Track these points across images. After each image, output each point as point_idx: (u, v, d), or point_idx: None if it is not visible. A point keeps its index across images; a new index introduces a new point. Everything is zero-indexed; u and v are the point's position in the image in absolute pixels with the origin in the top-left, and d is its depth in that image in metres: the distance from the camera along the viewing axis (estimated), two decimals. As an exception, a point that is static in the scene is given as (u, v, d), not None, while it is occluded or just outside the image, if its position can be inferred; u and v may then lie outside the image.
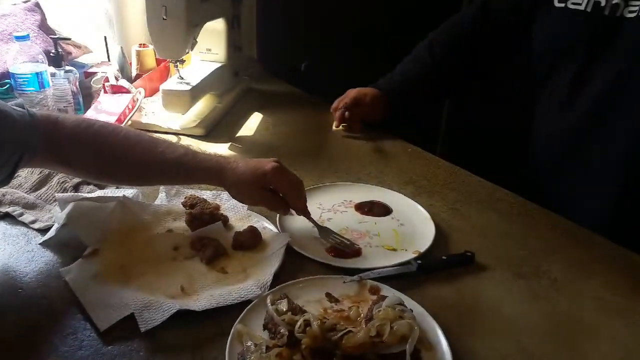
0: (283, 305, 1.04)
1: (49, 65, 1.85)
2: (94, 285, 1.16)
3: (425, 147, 1.93)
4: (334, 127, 2.04)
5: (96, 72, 2.12)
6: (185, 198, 1.43)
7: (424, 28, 2.02)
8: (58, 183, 1.50)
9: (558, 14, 1.59)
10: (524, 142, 1.83)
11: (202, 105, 2.10)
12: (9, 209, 1.40)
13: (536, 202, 1.57)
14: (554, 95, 1.67)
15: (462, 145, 3.10)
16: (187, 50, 1.88)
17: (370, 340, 0.96)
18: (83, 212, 1.30)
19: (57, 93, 1.86)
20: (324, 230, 1.37)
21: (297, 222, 1.39)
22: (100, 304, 1.10)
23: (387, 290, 1.16)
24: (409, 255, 1.31)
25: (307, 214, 1.37)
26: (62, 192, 1.47)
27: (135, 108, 1.93)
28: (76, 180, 1.51)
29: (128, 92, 1.95)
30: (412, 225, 1.45)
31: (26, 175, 1.53)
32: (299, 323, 0.98)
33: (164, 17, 1.72)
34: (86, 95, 2.02)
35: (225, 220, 1.40)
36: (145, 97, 2.02)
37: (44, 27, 2.21)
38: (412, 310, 1.05)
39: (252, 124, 2.09)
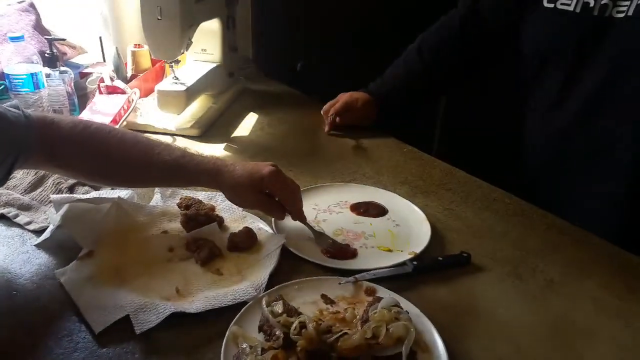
0: (278, 307, 1.04)
1: (44, 66, 1.85)
2: (89, 287, 1.15)
3: (421, 147, 1.93)
4: (325, 131, 2.03)
5: (91, 73, 2.11)
6: (180, 199, 1.43)
7: (421, 28, 2.02)
8: (53, 184, 1.50)
9: (547, 15, 1.59)
10: (519, 142, 1.83)
11: (198, 106, 2.10)
12: (4, 210, 1.40)
13: (532, 202, 1.57)
14: (544, 96, 1.67)
15: (458, 145, 3.10)
16: (182, 51, 1.88)
17: (366, 342, 0.96)
18: (78, 214, 1.30)
19: (52, 94, 1.86)
20: (319, 236, 1.37)
21: (292, 223, 1.39)
22: (96, 306, 1.10)
23: (382, 292, 1.16)
24: (405, 256, 1.30)
25: (303, 219, 1.37)
26: (57, 194, 1.46)
27: (131, 109, 1.93)
28: (71, 181, 1.51)
29: (123, 92, 1.95)
30: (408, 225, 1.45)
31: (21, 176, 1.53)
32: (294, 325, 0.98)
33: (159, 18, 1.71)
34: (81, 96, 2.02)
35: (220, 221, 1.39)
36: (140, 97, 2.02)
37: (39, 28, 2.20)
38: (408, 312, 1.05)
39: (247, 125, 2.09)
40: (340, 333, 0.98)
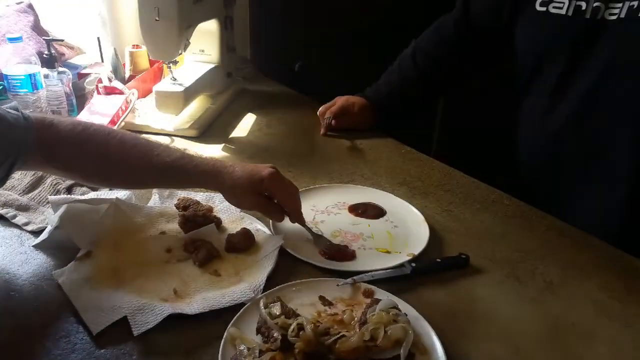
0: (276, 309, 1.03)
1: (42, 66, 1.85)
2: (86, 288, 1.15)
3: (420, 147, 1.93)
4: (321, 133, 2.03)
5: (89, 74, 2.11)
6: (178, 200, 1.42)
7: (420, 29, 2.01)
8: (51, 185, 1.50)
9: (539, 18, 1.59)
10: (516, 145, 1.83)
11: (196, 106, 2.10)
12: (2, 211, 1.40)
13: (531, 204, 1.57)
14: (538, 98, 1.67)
15: (456, 146, 3.09)
16: (180, 51, 1.88)
17: (364, 345, 0.96)
18: (76, 215, 1.30)
19: (51, 94, 1.86)
20: (318, 238, 1.37)
21: (290, 224, 1.38)
22: (93, 307, 1.10)
23: (381, 294, 1.16)
24: (403, 258, 1.30)
25: (302, 222, 1.37)
26: (55, 194, 1.46)
27: (129, 109, 1.93)
28: (69, 182, 1.50)
29: (121, 93, 1.95)
30: (406, 227, 1.45)
31: (19, 177, 1.52)
32: (292, 327, 0.98)
33: (157, 19, 1.71)
34: (79, 96, 2.02)
35: (218, 222, 1.39)
36: (138, 98, 2.01)
37: (37, 29, 2.20)
38: (406, 314, 1.05)
39: (245, 125, 2.09)
40: (338, 335, 0.98)
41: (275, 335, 0.98)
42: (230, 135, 1.99)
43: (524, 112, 1.76)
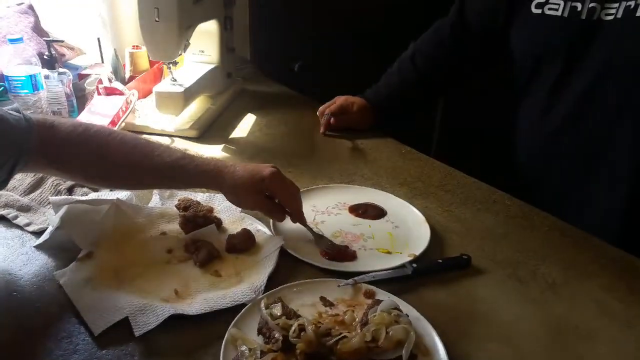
0: (277, 310, 1.03)
1: (43, 67, 1.85)
2: (88, 289, 1.15)
3: (420, 147, 1.93)
4: (320, 132, 2.03)
5: (90, 74, 2.11)
6: (178, 200, 1.42)
7: (420, 29, 2.02)
8: (52, 186, 1.50)
9: (535, 20, 1.59)
10: (515, 145, 1.83)
11: (196, 107, 2.10)
12: (4, 212, 1.40)
13: (532, 204, 1.57)
14: (536, 100, 1.68)
15: (456, 147, 3.09)
16: (179, 52, 1.88)
17: (366, 346, 0.96)
18: (77, 215, 1.30)
19: (51, 95, 1.86)
20: (319, 238, 1.37)
21: (290, 224, 1.39)
22: (95, 308, 1.10)
23: (382, 294, 1.16)
24: (404, 258, 1.30)
25: (303, 221, 1.37)
26: (56, 195, 1.46)
27: (129, 110, 1.93)
28: (70, 182, 1.50)
29: (121, 94, 1.94)
30: (407, 227, 1.45)
31: (20, 177, 1.52)
32: (293, 328, 0.98)
33: (157, 19, 1.71)
34: (80, 97, 2.01)
35: (218, 222, 1.39)
36: (138, 99, 2.01)
37: (38, 30, 2.20)
38: (407, 315, 1.05)
39: (245, 125, 2.08)
40: (339, 336, 0.98)
41: (276, 336, 0.98)
42: (231, 136, 1.99)
43: (523, 112, 1.76)
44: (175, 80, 1.94)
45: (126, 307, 1.09)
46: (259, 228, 1.39)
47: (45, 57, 1.87)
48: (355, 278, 1.20)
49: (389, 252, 1.34)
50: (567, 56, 1.55)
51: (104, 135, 1.30)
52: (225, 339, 1.02)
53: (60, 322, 1.09)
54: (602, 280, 1.27)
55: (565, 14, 1.51)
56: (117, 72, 2.18)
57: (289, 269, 1.26)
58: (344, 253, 1.32)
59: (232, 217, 1.44)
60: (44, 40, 2.01)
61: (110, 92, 1.95)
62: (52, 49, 1.89)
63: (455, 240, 1.41)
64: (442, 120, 3.72)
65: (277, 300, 1.07)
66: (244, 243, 1.32)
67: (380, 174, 1.73)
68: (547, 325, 1.14)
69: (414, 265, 1.25)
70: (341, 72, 2.73)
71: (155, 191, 1.51)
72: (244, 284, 1.18)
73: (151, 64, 2.28)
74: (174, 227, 1.38)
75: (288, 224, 1.39)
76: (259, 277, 1.20)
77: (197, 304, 1.12)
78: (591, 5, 1.46)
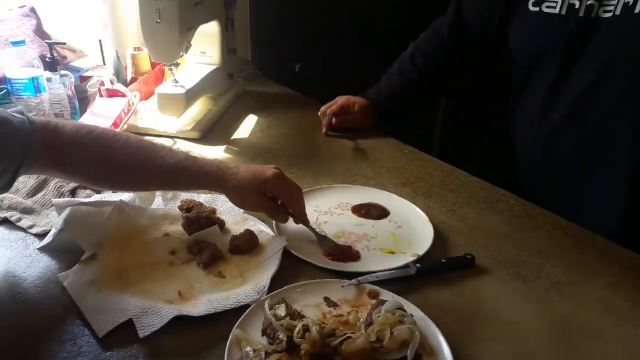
0: (281, 310, 1.03)
1: (45, 69, 1.86)
2: (92, 291, 1.15)
3: (421, 147, 1.93)
4: (322, 132, 2.03)
5: (91, 76, 2.11)
6: (181, 202, 1.42)
7: (420, 29, 2.02)
8: (55, 188, 1.50)
9: (533, 19, 1.59)
10: (516, 144, 1.83)
11: (197, 108, 2.10)
12: (7, 214, 1.40)
13: (535, 203, 1.57)
14: (536, 98, 1.67)
15: (457, 146, 3.09)
16: (181, 54, 1.88)
17: (370, 346, 0.96)
18: (80, 217, 1.30)
19: (53, 97, 1.86)
20: (322, 239, 1.36)
21: (293, 225, 1.38)
22: (99, 310, 1.10)
23: (386, 294, 1.16)
24: (408, 258, 1.30)
25: (306, 222, 1.37)
26: (59, 197, 1.46)
27: (131, 112, 1.93)
28: (73, 184, 1.51)
29: (123, 95, 1.95)
30: (410, 227, 1.45)
31: (23, 180, 1.52)
32: (297, 328, 0.98)
33: (158, 21, 1.71)
34: (82, 99, 2.02)
35: (221, 223, 1.39)
36: (140, 100, 2.02)
37: (40, 32, 2.20)
38: (412, 315, 1.04)
39: (247, 126, 2.09)
40: (344, 336, 0.98)
41: (280, 336, 0.98)
42: (232, 137, 1.99)
43: (523, 112, 1.76)
44: (176, 81, 1.94)
45: (130, 309, 1.09)
46: (262, 229, 1.39)
47: (47, 59, 1.87)
48: (359, 278, 1.19)
49: (392, 252, 1.34)
50: (565, 54, 1.54)
51: (108, 137, 1.30)
52: (229, 340, 1.01)
53: (64, 324, 1.08)
54: (607, 279, 1.27)
55: (563, 12, 1.51)
56: (118, 74, 2.18)
57: (292, 269, 1.26)
58: (347, 253, 1.32)
59: (235, 218, 1.44)
60: (46, 42, 2.01)
61: (112, 94, 1.95)
62: (54, 52, 1.89)
63: (459, 240, 1.40)
64: (443, 120, 3.72)
65: (281, 300, 1.07)
66: (247, 244, 1.32)
67: (383, 173, 1.73)
68: (551, 324, 1.13)
69: (418, 265, 1.25)
70: (342, 72, 2.73)
71: (158, 192, 1.51)
72: (248, 285, 1.18)
73: (153, 65, 2.28)
74: (177, 228, 1.38)
75: (291, 224, 1.38)
76: (263, 277, 1.20)
77: (201, 305, 1.12)
78: (589, 2, 1.46)
